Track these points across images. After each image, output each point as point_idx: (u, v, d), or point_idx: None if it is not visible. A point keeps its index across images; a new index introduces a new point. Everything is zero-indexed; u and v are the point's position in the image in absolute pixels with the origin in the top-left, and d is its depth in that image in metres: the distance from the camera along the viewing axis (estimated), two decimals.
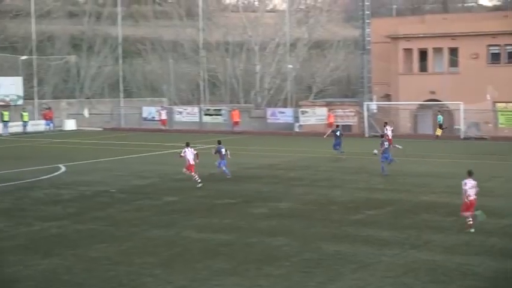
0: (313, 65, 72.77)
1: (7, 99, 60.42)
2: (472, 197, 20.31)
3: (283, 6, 72.19)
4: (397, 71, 59.30)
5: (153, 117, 60.62)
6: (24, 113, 58.19)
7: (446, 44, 58.07)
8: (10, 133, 55.86)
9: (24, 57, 62.36)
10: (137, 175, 32.50)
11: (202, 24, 65.63)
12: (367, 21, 54.98)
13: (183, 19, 73.51)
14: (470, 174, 20.55)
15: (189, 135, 51.20)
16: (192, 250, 18.62)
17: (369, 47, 55.61)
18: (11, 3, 75.58)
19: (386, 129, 39.60)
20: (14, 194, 27.29)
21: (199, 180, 28.93)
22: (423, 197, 26.37)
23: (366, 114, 53.21)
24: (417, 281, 15.88)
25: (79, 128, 60.18)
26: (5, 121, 56.51)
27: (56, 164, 35.64)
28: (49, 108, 60.30)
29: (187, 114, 60.17)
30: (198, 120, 59.11)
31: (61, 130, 59.20)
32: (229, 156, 31.23)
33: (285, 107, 62.53)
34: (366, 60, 55.63)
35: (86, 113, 62.37)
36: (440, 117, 50.80)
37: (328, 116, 54.76)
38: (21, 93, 61.37)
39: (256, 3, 77.40)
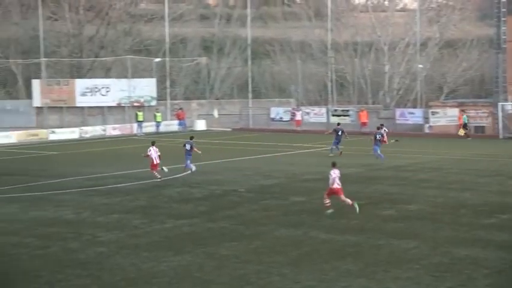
0: (444, 65, 70.90)
1: (141, 100, 62.76)
2: (336, 185, 23.11)
3: (414, 5, 70.80)
4: None
5: (281, 118, 61.20)
6: (158, 114, 60.23)
7: None
8: (144, 133, 57.93)
9: (157, 60, 64.55)
10: (265, 175, 32.90)
11: (330, 25, 65.52)
12: (503, 19, 53.01)
13: (311, 20, 73.64)
14: (334, 165, 23.55)
15: (316, 136, 51.25)
16: (320, 250, 18.65)
17: (504, 46, 53.59)
18: (146, 7, 78.42)
19: (385, 130, 41.22)
20: (149, 192, 28.28)
21: (159, 177, 30.94)
22: None
23: (500, 114, 51.34)
24: None
25: (209, 129, 61.59)
26: (139, 121, 58.66)
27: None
28: (181, 109, 62.17)
29: (315, 115, 60.33)
30: (325, 121, 59.07)
31: (192, 130, 60.77)
32: (196, 151, 33.00)
33: (415, 107, 61.37)
34: (501, 59, 53.66)
35: (215, 113, 63.74)
36: (465, 117, 50.59)
37: (459, 117, 53.46)
38: (154, 94, 63.54)
39: (386, 2, 76.25)
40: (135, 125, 58.99)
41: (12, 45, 66.52)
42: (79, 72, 65.57)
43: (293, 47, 72.51)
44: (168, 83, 65.23)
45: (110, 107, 62.47)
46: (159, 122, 60.01)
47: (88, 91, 62.17)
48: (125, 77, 63.12)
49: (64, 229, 21.57)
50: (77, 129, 56.97)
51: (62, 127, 58.62)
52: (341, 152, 39.26)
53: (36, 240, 20.09)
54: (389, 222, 22.12)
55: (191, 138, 34.03)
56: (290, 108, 62.18)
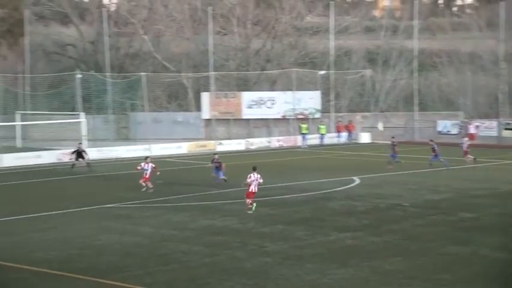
0: None
1: (306, 112, 63.29)
2: (252, 188, 25.61)
3: None
4: None
5: (449, 131, 59.61)
6: (322, 126, 60.41)
7: None
8: (308, 145, 58.29)
9: (322, 72, 64.85)
10: (431, 189, 32.05)
11: (503, 35, 62.97)
12: None
13: (482, 30, 71.16)
14: (254, 169, 25.95)
15: (486, 150, 49.31)
16: (491, 271, 17.85)
17: None
18: (311, 20, 79.11)
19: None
20: (312, 204, 28.38)
21: (143, 189, 31.81)
22: None
23: None
24: None
25: (373, 141, 60.96)
26: (303, 134, 59.14)
27: (350, 176, 36.43)
28: (350, 121, 62.24)
29: (485, 129, 58.30)
30: (496, 134, 56.82)
31: (356, 143, 60.48)
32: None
33: None
34: None
35: (380, 126, 63.01)
36: None
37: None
38: (319, 106, 63.85)
39: None
40: (299, 137, 59.51)
41: (183, 60, 69.40)
42: (245, 85, 67.22)
43: (462, 59, 70.32)
44: (332, 96, 65.33)
45: (274, 119, 63.49)
46: (323, 134, 60.18)
47: (254, 103, 63.58)
48: (290, 89, 63.92)
49: (231, 238, 22.11)
50: (243, 141, 58.33)
51: (229, 139, 60.29)
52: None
53: (205, 249, 20.72)
54: None
55: (215, 154, 37.06)
56: (459, 121, 60.31)
